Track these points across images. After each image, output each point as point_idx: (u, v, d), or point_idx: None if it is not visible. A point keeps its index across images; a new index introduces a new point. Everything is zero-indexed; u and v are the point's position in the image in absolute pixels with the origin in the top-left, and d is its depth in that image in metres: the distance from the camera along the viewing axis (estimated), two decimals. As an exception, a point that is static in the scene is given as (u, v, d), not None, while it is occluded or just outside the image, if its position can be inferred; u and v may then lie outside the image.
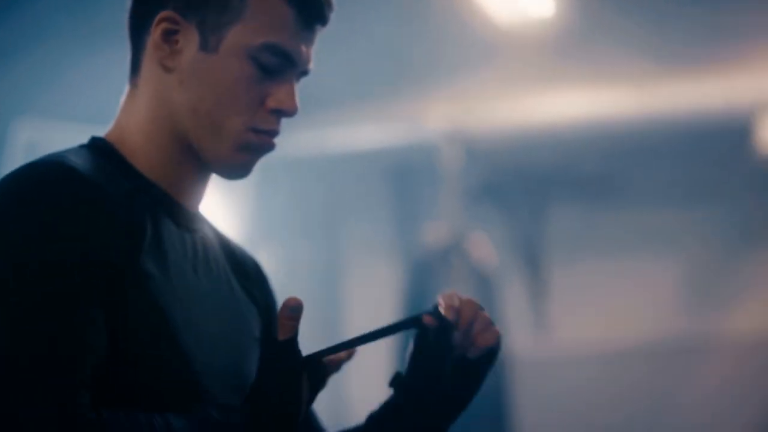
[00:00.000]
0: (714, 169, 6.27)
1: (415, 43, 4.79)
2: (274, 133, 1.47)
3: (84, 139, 1.50)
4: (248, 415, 1.33)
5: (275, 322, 1.37)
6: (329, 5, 1.48)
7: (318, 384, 1.42)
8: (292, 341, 1.35)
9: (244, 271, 1.60)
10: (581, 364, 6.46)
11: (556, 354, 6.56)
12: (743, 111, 5.68)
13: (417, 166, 6.53)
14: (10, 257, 1.28)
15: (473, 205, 5.98)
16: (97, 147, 1.46)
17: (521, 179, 6.39)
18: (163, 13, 1.44)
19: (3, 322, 1.26)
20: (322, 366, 1.42)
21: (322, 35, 1.51)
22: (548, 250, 6.51)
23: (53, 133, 4.66)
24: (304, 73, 1.49)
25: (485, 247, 5.73)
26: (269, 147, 1.48)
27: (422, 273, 5.69)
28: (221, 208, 4.94)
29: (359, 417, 1.61)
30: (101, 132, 1.50)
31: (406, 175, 6.72)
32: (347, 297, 6.60)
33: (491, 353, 1.51)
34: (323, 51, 1.53)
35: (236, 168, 1.48)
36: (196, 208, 1.52)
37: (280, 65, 1.45)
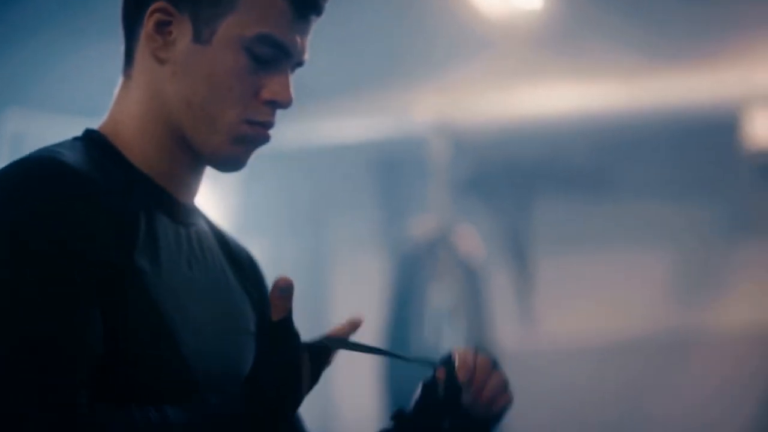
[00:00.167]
0: (702, 162, 6.27)
1: (402, 35, 4.78)
2: (269, 124, 1.46)
3: (74, 131, 1.48)
4: (248, 397, 1.32)
5: (269, 314, 1.35)
6: None
7: (318, 370, 1.40)
8: (286, 321, 1.35)
9: (239, 265, 1.59)
10: (568, 357, 6.46)
11: (543, 347, 6.56)
12: (731, 105, 5.68)
13: (404, 159, 6.52)
14: (6, 257, 1.27)
15: (461, 199, 5.98)
16: (91, 139, 1.45)
17: (509, 172, 6.38)
18: (156, 4, 1.42)
19: (2, 323, 1.25)
20: (324, 351, 1.41)
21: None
22: (535, 243, 6.51)
23: (40, 124, 4.65)
24: (299, 64, 1.47)
25: (472, 241, 5.73)
26: (264, 139, 1.46)
27: (409, 266, 5.69)
28: (207, 201, 4.92)
29: (346, 421, 1.60)
30: (89, 124, 1.49)
31: (393, 168, 6.71)
32: (334, 290, 6.59)
33: (498, 415, 1.51)
34: (310, 43, 1.51)
35: (231, 160, 1.46)
36: (192, 201, 1.51)
37: (275, 56, 1.43)
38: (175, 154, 1.45)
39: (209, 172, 1.52)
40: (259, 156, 1.50)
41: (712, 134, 6.00)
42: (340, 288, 6.58)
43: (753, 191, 6.20)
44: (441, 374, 1.46)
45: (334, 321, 1.47)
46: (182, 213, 1.47)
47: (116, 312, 1.31)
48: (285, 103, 1.45)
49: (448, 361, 1.46)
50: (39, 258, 1.26)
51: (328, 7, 1.49)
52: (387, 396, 5.40)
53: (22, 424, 1.22)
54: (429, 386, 1.49)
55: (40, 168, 1.32)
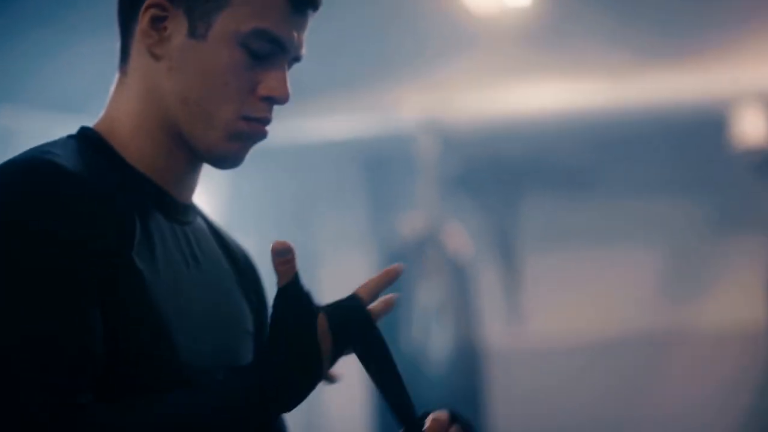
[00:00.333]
0: (690, 160, 6.28)
1: (390, 32, 4.77)
2: (266, 121, 1.44)
3: (65, 128, 1.47)
4: (264, 367, 1.30)
5: (266, 315, 1.34)
6: None
7: (342, 335, 1.32)
8: (294, 284, 1.32)
9: (237, 264, 1.57)
10: (555, 355, 6.46)
11: (530, 345, 6.56)
12: (719, 102, 5.69)
13: (392, 156, 6.52)
14: (5, 262, 1.25)
15: (449, 196, 5.98)
16: (86, 138, 1.43)
17: (497, 170, 6.38)
18: (151, 0, 1.41)
19: (5, 325, 1.23)
20: (347, 314, 1.33)
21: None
22: (523, 241, 6.51)
23: (32, 121, 4.63)
24: (296, 59, 1.46)
25: (460, 238, 5.73)
26: (261, 135, 1.45)
27: (397, 263, 5.68)
28: (194, 198, 4.91)
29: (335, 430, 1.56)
30: (80, 121, 1.47)
31: (381, 166, 6.71)
32: (321, 287, 6.56)
33: None
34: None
35: (228, 157, 1.44)
36: (189, 199, 1.49)
37: (271, 51, 1.42)
38: (171, 151, 1.43)
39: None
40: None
41: (699, 132, 6.01)
42: (327, 285, 6.56)
43: (741, 188, 6.22)
44: None
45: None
46: (179, 211, 1.45)
47: (113, 312, 1.29)
48: (282, 99, 1.43)
49: (419, 424, 1.37)
50: (36, 263, 1.25)
51: (317, 5, 1.48)
52: (375, 409, 5.42)
53: (25, 424, 1.21)
54: None
55: (32, 171, 1.30)
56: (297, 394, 1.31)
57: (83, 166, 1.33)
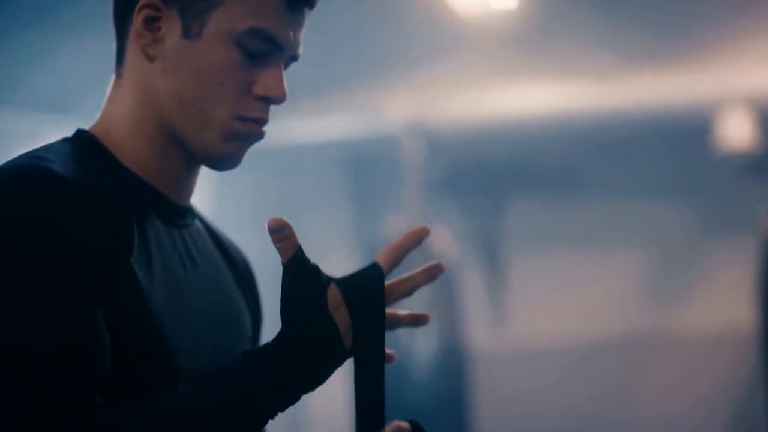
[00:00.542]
0: (675, 163, 6.30)
1: (376, 34, 4.76)
2: (263, 121, 1.43)
3: (59, 130, 1.45)
4: (274, 346, 1.27)
5: (262, 318, 1.32)
6: None
7: (358, 305, 1.29)
8: (296, 259, 1.29)
9: (235, 267, 1.57)
10: (540, 357, 6.47)
11: (515, 347, 6.57)
12: (705, 105, 5.70)
13: (377, 158, 6.51)
14: (3, 263, 1.24)
15: (434, 198, 5.97)
16: (81, 140, 1.42)
17: (482, 172, 6.39)
18: (144, 0, 1.39)
19: (9, 329, 1.22)
20: (367, 282, 1.29)
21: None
22: (508, 243, 6.51)
23: (26, 123, 4.61)
24: (294, 58, 1.44)
25: (445, 240, 5.71)
26: (258, 135, 1.43)
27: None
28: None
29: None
30: (74, 122, 1.46)
31: (366, 167, 6.70)
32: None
33: None
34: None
35: (224, 158, 1.42)
36: (187, 202, 1.48)
37: (267, 50, 1.40)
38: (167, 153, 1.42)
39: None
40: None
41: (686, 134, 6.03)
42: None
43: (728, 191, 6.23)
44: None
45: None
46: (176, 214, 1.44)
47: (111, 313, 1.28)
48: (278, 99, 1.41)
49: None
50: (35, 261, 1.24)
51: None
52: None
53: (26, 424, 1.20)
54: None
55: (26, 176, 1.28)
56: (314, 370, 1.29)
57: (79, 170, 1.32)
